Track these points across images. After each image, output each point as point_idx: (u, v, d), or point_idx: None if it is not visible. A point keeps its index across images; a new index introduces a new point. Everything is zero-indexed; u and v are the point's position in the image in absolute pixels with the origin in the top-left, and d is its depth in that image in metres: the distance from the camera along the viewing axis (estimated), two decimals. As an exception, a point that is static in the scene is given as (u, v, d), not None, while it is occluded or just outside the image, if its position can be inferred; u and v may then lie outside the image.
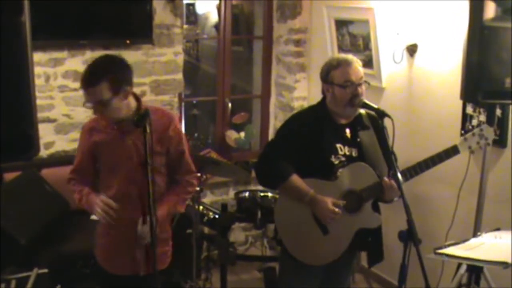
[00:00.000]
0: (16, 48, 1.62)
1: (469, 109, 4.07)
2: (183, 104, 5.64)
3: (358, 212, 3.23)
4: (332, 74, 3.20)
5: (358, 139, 3.28)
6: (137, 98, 3.00)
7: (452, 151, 3.25)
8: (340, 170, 3.21)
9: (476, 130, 3.29)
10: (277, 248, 4.53)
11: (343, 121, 3.29)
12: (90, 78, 2.79)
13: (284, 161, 3.20)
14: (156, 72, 5.21)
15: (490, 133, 3.31)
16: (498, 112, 3.79)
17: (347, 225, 3.22)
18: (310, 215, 3.21)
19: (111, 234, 3.13)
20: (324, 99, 3.32)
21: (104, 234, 3.17)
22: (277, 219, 3.35)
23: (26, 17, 1.63)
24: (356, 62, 3.21)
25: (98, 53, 4.89)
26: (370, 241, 3.32)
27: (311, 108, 3.44)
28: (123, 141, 3.00)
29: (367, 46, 4.83)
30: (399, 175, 3.01)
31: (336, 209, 3.13)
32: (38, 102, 2.59)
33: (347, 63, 3.18)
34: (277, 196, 4.21)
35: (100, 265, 3.22)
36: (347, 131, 3.29)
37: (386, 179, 3.15)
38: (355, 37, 4.96)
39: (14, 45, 1.61)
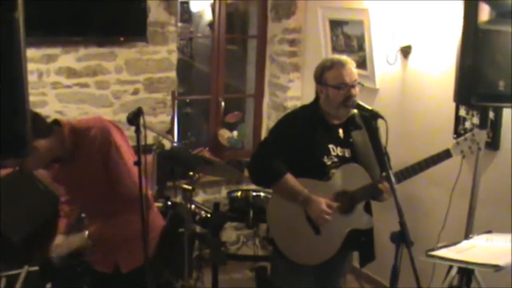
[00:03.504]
0: (9, 45, 1.60)
1: (462, 112, 4.08)
2: (176, 102, 5.64)
3: (350, 213, 3.23)
4: (326, 75, 3.20)
5: (351, 140, 3.28)
6: (58, 124, 2.91)
7: (445, 155, 3.28)
8: (333, 170, 3.21)
9: (468, 135, 3.33)
10: (269, 248, 4.53)
11: (336, 122, 3.29)
12: None
13: (278, 160, 3.20)
14: (150, 70, 5.20)
15: (482, 138, 3.35)
16: (491, 114, 3.79)
17: (339, 225, 3.22)
18: (302, 214, 3.21)
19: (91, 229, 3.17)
20: (317, 99, 3.32)
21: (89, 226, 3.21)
22: (269, 218, 3.36)
23: (20, 14, 1.61)
24: (350, 63, 3.21)
25: (92, 50, 4.91)
26: (362, 241, 3.33)
27: (304, 108, 3.44)
28: (67, 172, 3.00)
29: (361, 47, 4.83)
30: (392, 177, 3.02)
31: (330, 210, 3.13)
32: (31, 98, 2.56)
33: (341, 65, 3.18)
34: (269, 196, 4.22)
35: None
36: (340, 131, 3.30)
37: (380, 185, 3.15)
38: (349, 38, 4.96)
39: (7, 42, 1.59)
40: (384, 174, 3.10)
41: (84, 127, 2.92)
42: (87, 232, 3.03)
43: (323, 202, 3.13)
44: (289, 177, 3.18)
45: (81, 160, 2.91)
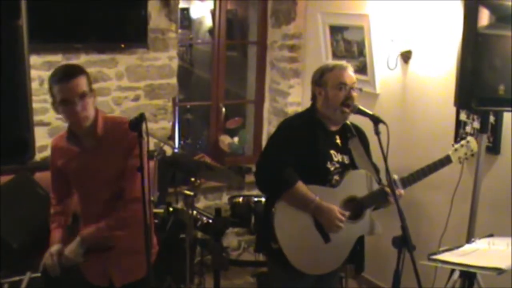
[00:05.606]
0: (13, 52, 1.62)
1: (463, 116, 4.09)
2: (177, 108, 5.65)
3: (359, 220, 3.24)
4: (326, 76, 3.23)
5: (349, 146, 3.31)
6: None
7: (446, 161, 3.37)
8: (336, 177, 3.21)
9: (463, 142, 3.44)
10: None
11: (333, 128, 3.31)
12: (72, 71, 2.84)
13: (288, 168, 3.15)
14: (151, 77, 5.21)
15: (474, 145, 3.46)
16: (492, 119, 3.81)
17: (349, 232, 3.22)
18: (311, 223, 3.18)
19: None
20: (313, 105, 3.32)
21: None
22: (277, 228, 3.19)
23: (24, 21, 1.63)
24: (350, 68, 3.27)
25: (93, 57, 4.92)
26: (357, 250, 3.33)
27: (302, 115, 3.44)
28: (85, 160, 2.98)
29: (361, 52, 4.84)
30: (398, 182, 3.08)
31: (343, 218, 3.13)
32: (33, 105, 2.57)
33: (341, 67, 3.25)
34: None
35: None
36: (337, 138, 3.32)
37: (387, 188, 3.16)
38: (349, 43, 4.97)
39: (11, 49, 1.61)
40: (392, 178, 3.12)
41: (120, 119, 3.02)
42: (79, 239, 2.97)
43: (336, 210, 3.13)
44: (300, 185, 3.14)
45: (106, 149, 2.93)
